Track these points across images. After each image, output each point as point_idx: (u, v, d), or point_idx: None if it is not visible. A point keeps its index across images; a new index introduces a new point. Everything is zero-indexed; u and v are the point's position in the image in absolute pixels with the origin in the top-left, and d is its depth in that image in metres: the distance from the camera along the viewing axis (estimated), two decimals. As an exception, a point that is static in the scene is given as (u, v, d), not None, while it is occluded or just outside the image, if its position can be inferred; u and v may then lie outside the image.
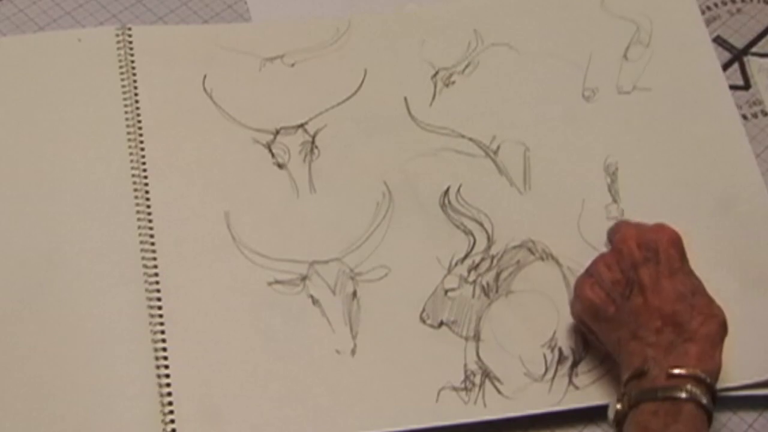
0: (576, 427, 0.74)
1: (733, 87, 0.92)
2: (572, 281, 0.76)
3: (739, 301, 0.77)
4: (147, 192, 0.80)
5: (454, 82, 0.88)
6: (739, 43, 0.96)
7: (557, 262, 0.79)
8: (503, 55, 0.90)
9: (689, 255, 0.72)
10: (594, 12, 0.92)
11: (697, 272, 0.72)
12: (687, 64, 0.90)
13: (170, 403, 0.71)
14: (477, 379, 0.74)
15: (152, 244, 0.77)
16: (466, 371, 0.74)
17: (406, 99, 0.87)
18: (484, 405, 0.73)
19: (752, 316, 0.77)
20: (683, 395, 0.66)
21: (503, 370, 0.74)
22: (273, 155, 0.83)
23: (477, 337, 0.76)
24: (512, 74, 0.89)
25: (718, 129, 0.87)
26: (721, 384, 0.73)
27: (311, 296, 0.76)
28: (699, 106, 0.87)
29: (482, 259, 0.79)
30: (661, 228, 0.72)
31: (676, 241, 0.71)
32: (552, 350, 0.75)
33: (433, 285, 0.78)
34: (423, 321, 0.76)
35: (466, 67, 0.89)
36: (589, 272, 0.73)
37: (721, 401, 0.74)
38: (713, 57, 0.90)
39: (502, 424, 0.73)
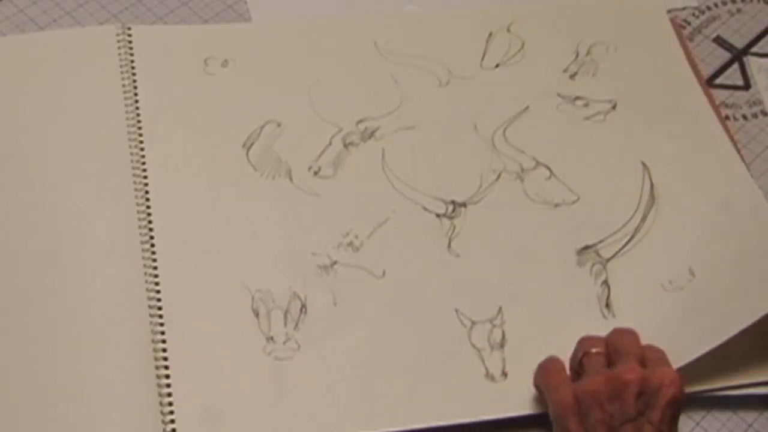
0: (576, 427, 0.74)
1: (733, 87, 0.92)
2: None
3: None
4: (147, 192, 0.80)
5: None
6: (739, 43, 0.96)
7: None
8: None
9: None
10: None
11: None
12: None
13: (170, 404, 0.71)
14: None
15: (152, 244, 0.77)
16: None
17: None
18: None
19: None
20: None
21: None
22: (273, 154, 0.84)
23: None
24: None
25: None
26: (721, 384, 0.73)
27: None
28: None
29: None
30: (664, 374, 0.67)
31: (676, 400, 0.67)
32: None
33: None
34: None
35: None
36: (580, 394, 0.68)
37: (721, 401, 0.74)
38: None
39: (502, 423, 0.73)
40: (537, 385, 0.72)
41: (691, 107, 0.89)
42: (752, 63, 0.95)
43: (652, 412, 0.66)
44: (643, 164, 0.85)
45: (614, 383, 0.67)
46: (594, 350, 0.71)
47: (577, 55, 0.92)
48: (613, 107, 0.89)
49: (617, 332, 0.72)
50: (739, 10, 0.98)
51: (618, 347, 0.70)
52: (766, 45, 0.96)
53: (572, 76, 0.90)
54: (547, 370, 0.72)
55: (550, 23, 0.94)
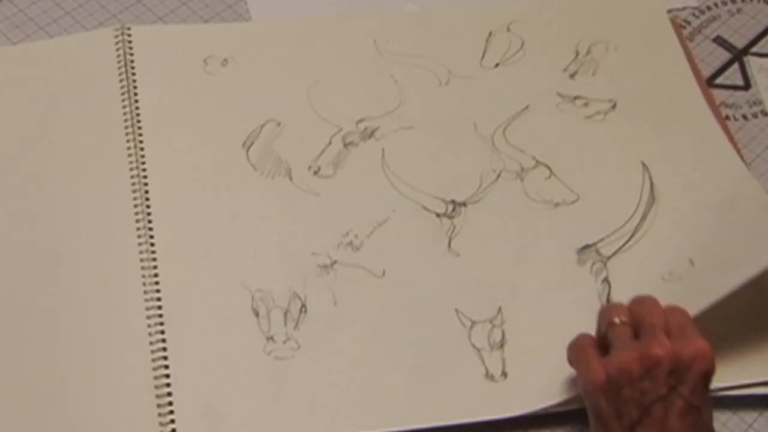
0: (576, 426, 0.74)
1: (733, 87, 0.92)
2: None
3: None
4: (147, 192, 0.80)
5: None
6: (739, 43, 0.96)
7: None
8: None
9: None
10: None
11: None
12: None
13: (170, 404, 0.71)
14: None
15: (152, 245, 0.77)
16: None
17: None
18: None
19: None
20: None
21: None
22: (273, 154, 0.84)
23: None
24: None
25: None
26: (721, 384, 0.73)
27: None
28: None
29: None
30: (696, 349, 0.66)
31: (708, 373, 0.66)
32: None
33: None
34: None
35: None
36: (611, 372, 0.67)
37: (721, 401, 0.74)
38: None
39: (502, 423, 0.73)
40: (570, 363, 0.72)
41: (691, 107, 0.89)
42: (752, 63, 0.95)
43: (684, 387, 0.66)
44: (643, 164, 0.85)
45: (646, 361, 0.66)
46: (617, 320, 0.69)
47: (577, 55, 0.92)
48: (613, 107, 0.89)
49: (639, 301, 0.70)
50: (739, 10, 0.98)
51: (641, 318, 0.69)
52: (766, 45, 0.96)
53: (572, 76, 0.91)
54: (576, 348, 0.71)
55: (550, 22, 0.94)
